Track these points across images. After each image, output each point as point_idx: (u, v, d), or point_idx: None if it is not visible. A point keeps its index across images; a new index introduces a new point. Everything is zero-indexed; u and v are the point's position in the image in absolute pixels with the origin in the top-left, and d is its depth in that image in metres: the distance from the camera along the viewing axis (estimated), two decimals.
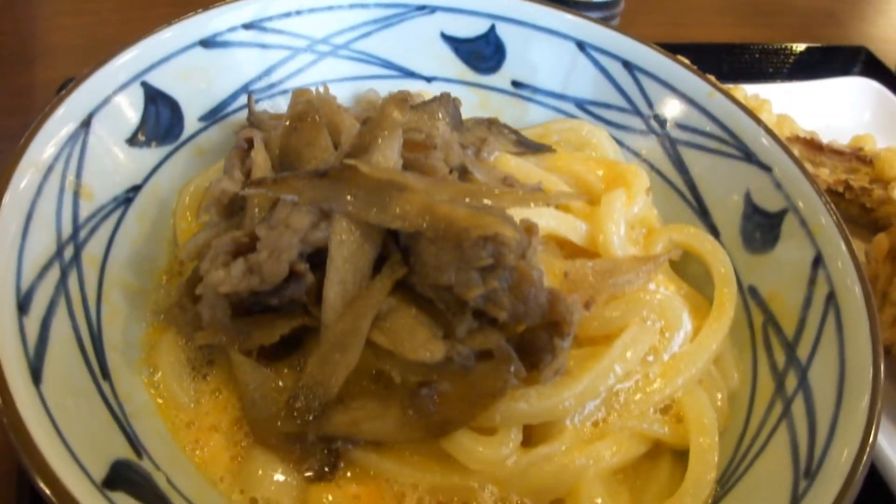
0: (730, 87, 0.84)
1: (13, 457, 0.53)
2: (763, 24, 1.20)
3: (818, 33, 1.17)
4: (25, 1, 0.99)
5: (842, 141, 0.91)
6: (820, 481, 0.46)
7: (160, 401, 0.52)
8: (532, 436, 0.51)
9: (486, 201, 0.48)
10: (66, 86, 0.59)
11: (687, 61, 0.82)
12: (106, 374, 0.49)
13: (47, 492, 0.37)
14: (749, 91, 0.92)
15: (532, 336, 0.48)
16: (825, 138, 0.91)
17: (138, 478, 0.43)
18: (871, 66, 1.07)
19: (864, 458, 0.46)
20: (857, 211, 0.86)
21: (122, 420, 0.47)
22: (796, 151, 0.85)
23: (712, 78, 0.76)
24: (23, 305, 0.45)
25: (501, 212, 0.47)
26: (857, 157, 0.87)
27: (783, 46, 1.07)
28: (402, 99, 0.54)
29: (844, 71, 1.04)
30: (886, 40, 1.19)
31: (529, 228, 0.49)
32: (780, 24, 1.19)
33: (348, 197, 0.49)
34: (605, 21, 1.00)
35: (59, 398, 0.43)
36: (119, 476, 0.42)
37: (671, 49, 0.88)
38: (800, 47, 1.07)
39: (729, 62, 1.00)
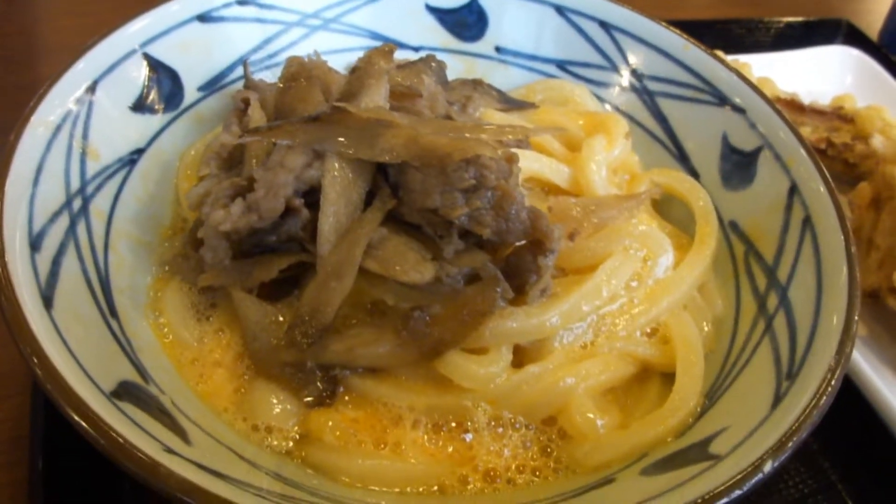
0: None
1: (26, 384, 0.58)
2: (749, 4, 1.23)
3: (803, 10, 1.20)
4: (28, 3, 1.03)
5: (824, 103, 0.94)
6: (800, 380, 0.47)
7: (166, 340, 0.54)
8: (524, 358, 0.53)
9: (466, 133, 0.50)
10: None
11: None
12: (114, 313, 0.51)
13: (60, 401, 0.40)
14: (730, 59, 0.95)
15: (517, 259, 0.51)
16: (808, 101, 0.93)
17: (144, 395, 0.45)
18: (852, 37, 1.10)
19: (842, 359, 0.47)
20: (840, 167, 0.89)
21: (129, 352, 0.49)
22: None
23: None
24: (34, 244, 0.48)
25: (478, 138, 0.49)
26: (838, 116, 0.89)
27: (767, 21, 1.10)
28: (387, 50, 0.57)
29: (827, 43, 1.07)
30: (869, 12, 1.22)
31: (510, 157, 0.51)
32: (767, 3, 1.23)
33: (340, 138, 0.52)
34: None
35: (68, 324, 0.45)
36: (126, 391, 0.44)
37: None
38: (783, 21, 1.10)
39: (714, 38, 1.03)
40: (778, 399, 0.47)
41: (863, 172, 0.86)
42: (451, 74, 0.72)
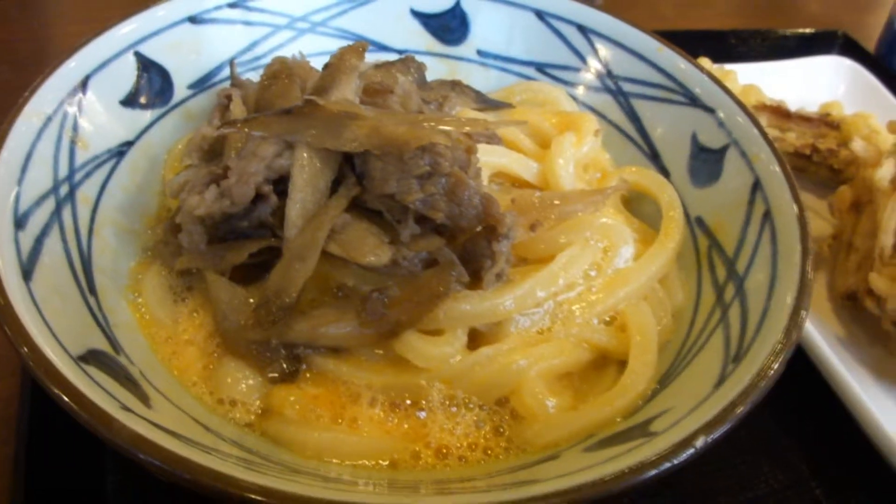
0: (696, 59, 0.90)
1: (15, 368, 0.62)
2: (745, 15, 1.25)
3: (799, 21, 1.22)
4: (38, 10, 1.09)
5: None
6: (744, 363, 0.49)
7: (143, 319, 0.57)
8: (480, 342, 0.55)
9: (424, 123, 0.53)
10: None
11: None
12: (93, 291, 0.55)
13: (29, 358, 0.43)
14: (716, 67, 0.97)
15: (473, 245, 0.53)
16: (808, 110, 0.95)
17: (112, 364, 0.49)
18: (849, 48, 1.12)
19: (787, 344, 0.49)
20: (826, 173, 0.90)
21: (103, 325, 0.53)
22: (764, 120, 0.90)
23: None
24: (19, 223, 0.52)
25: (437, 128, 0.52)
26: (824, 122, 0.91)
27: (765, 32, 1.12)
28: (359, 48, 0.60)
29: (824, 53, 1.09)
30: (865, 25, 1.24)
31: (469, 148, 0.54)
32: (758, 13, 1.25)
33: (310, 129, 0.56)
34: None
35: (45, 295, 0.49)
36: (93, 357, 0.47)
37: None
38: (779, 32, 1.12)
39: (712, 48, 1.05)
40: (721, 381, 0.49)
41: (847, 178, 0.87)
42: (435, 76, 0.75)
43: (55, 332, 0.46)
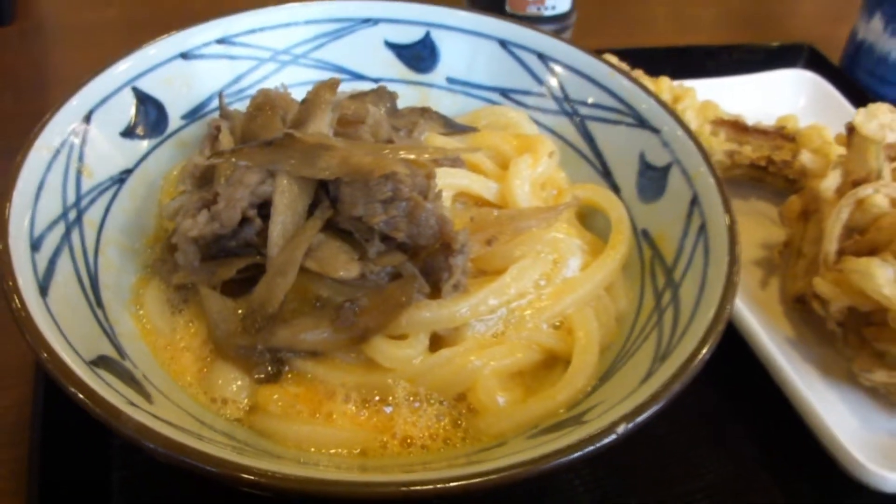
0: (657, 78, 1.00)
1: (28, 375, 0.72)
2: (713, 30, 1.35)
3: (766, 35, 1.32)
4: (37, 37, 1.19)
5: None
6: (668, 361, 0.59)
7: (144, 329, 0.68)
8: (441, 344, 0.65)
9: (388, 154, 0.64)
10: None
11: (615, 59, 0.98)
12: (100, 304, 0.65)
13: (47, 362, 0.53)
14: (687, 84, 1.07)
15: (432, 260, 0.63)
16: (768, 123, 1.05)
17: (119, 367, 0.59)
18: (815, 62, 1.21)
19: (705, 346, 0.58)
20: (782, 183, 1.00)
21: (110, 335, 0.63)
22: (723, 134, 1.00)
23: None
24: (35, 245, 0.62)
25: (398, 157, 0.62)
26: (780, 135, 1.00)
27: (729, 46, 1.22)
28: (331, 84, 0.71)
29: (788, 67, 1.18)
30: (832, 38, 1.33)
31: (429, 174, 0.64)
32: (727, 27, 1.35)
33: (289, 159, 0.66)
34: (557, 33, 1.17)
35: (60, 308, 0.59)
36: (103, 361, 0.57)
37: (622, 53, 1.04)
38: (745, 46, 1.22)
39: (678, 63, 1.15)
40: (647, 377, 0.58)
41: (801, 187, 0.96)
42: (407, 103, 0.85)
43: (70, 340, 0.56)
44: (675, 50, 1.21)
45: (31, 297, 0.57)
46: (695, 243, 0.69)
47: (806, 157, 0.91)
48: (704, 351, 0.58)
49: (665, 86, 0.97)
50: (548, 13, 1.18)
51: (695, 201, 0.71)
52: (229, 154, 0.67)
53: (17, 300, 0.56)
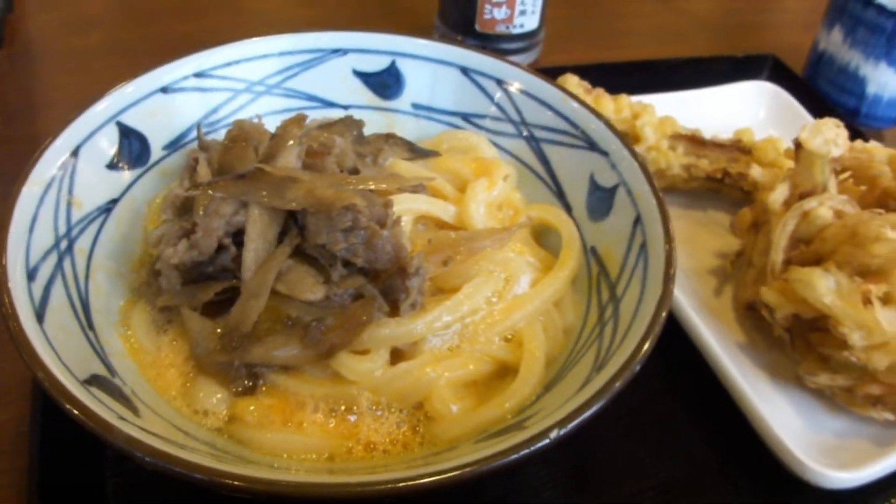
0: (617, 95, 1.09)
1: (27, 392, 0.81)
2: (682, 42, 1.44)
3: (733, 45, 1.40)
4: (26, 64, 1.27)
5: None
6: (603, 371, 0.67)
7: (132, 347, 0.77)
8: (401, 358, 0.75)
9: (349, 186, 0.73)
10: None
11: (576, 78, 1.08)
12: (91, 327, 0.75)
13: (44, 382, 0.63)
14: (651, 100, 1.16)
15: (390, 281, 0.73)
16: (727, 136, 1.14)
17: (109, 384, 0.68)
18: (778, 71, 1.30)
19: (636, 357, 0.66)
20: (738, 195, 1.09)
21: (101, 355, 0.72)
22: (681, 148, 1.09)
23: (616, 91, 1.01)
24: (31, 275, 0.71)
25: (357, 189, 0.72)
26: (737, 148, 1.09)
27: (693, 59, 1.31)
28: (298, 119, 0.80)
29: (752, 78, 1.27)
30: (796, 47, 1.42)
31: (386, 203, 0.74)
32: (695, 39, 1.43)
33: (260, 191, 0.75)
34: (526, 49, 1.27)
35: (55, 333, 0.68)
36: (95, 380, 0.67)
37: (587, 69, 1.14)
38: (709, 58, 1.31)
39: (641, 78, 1.24)
40: (583, 386, 0.68)
41: (755, 199, 1.06)
42: (375, 128, 0.95)
43: (65, 362, 0.66)
44: (639, 64, 1.30)
45: (29, 325, 0.66)
46: (636, 260, 0.78)
47: (756, 171, 1.00)
48: (635, 363, 0.66)
49: (625, 103, 1.07)
50: (516, 31, 1.28)
51: (638, 220, 0.80)
52: (206, 186, 0.77)
53: (17, 328, 0.65)
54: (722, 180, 1.07)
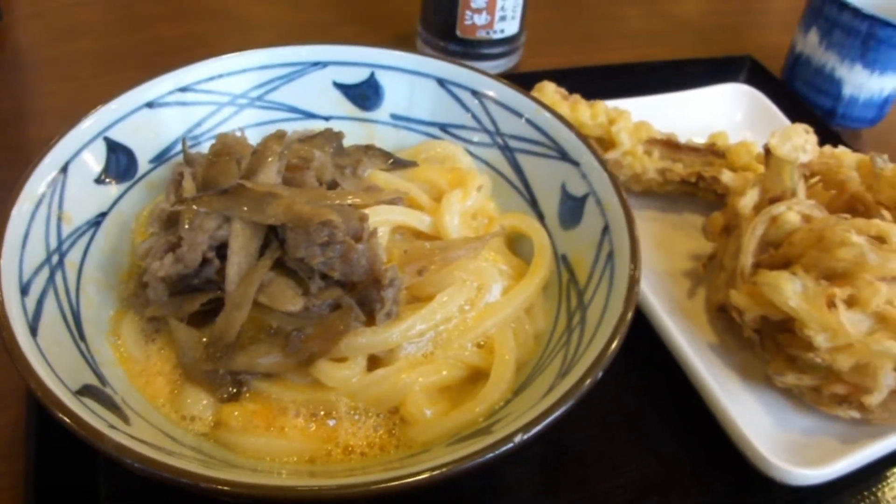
0: (593, 102, 1.14)
1: (22, 397, 0.87)
2: (662, 44, 1.48)
3: (713, 47, 1.45)
4: (15, 72, 1.31)
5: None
6: (566, 378, 0.72)
7: (122, 356, 0.82)
8: (378, 364, 0.80)
9: (326, 202, 0.78)
10: None
11: (553, 85, 1.12)
12: (83, 338, 0.80)
13: (38, 393, 0.68)
14: (629, 103, 1.21)
15: (366, 292, 0.78)
16: (702, 139, 1.19)
17: (101, 394, 0.74)
18: (756, 73, 1.35)
19: (598, 365, 0.71)
20: (712, 198, 1.14)
21: (92, 365, 0.78)
22: (656, 153, 1.14)
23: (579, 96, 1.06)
24: (24, 290, 0.76)
25: (334, 205, 0.77)
26: (711, 151, 1.14)
27: (671, 61, 1.35)
28: (278, 135, 0.85)
29: (730, 80, 1.32)
30: (778, 47, 1.47)
31: (362, 217, 0.79)
32: (676, 41, 1.48)
33: (242, 206, 0.81)
34: (507, 54, 1.32)
35: (48, 345, 0.73)
36: (87, 390, 0.72)
37: (566, 74, 1.18)
38: (688, 61, 1.36)
39: (620, 81, 1.29)
40: (547, 392, 0.73)
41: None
42: (354, 139, 1.00)
43: (58, 373, 0.71)
44: (618, 67, 1.34)
45: (23, 339, 0.71)
46: (603, 269, 0.83)
47: (727, 176, 1.05)
48: (597, 370, 0.71)
49: (601, 109, 1.11)
50: (497, 36, 1.33)
51: (606, 230, 0.85)
52: (191, 201, 0.82)
53: (12, 343, 0.70)
54: (696, 184, 1.12)
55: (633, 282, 0.77)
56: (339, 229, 0.76)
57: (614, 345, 0.73)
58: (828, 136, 1.28)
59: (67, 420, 0.66)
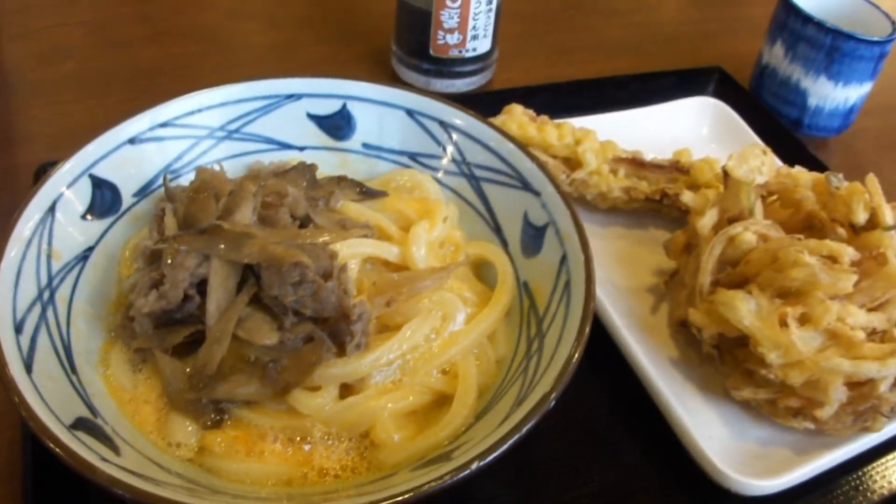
0: (559, 121, 1.21)
1: (18, 420, 0.95)
2: (631, 55, 1.55)
3: (685, 57, 1.52)
4: (1, 95, 1.38)
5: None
6: (521, 407, 0.80)
7: (111, 387, 0.91)
8: (350, 392, 0.89)
9: (299, 240, 0.87)
10: (42, 170, 1.02)
11: (521, 108, 1.20)
12: (74, 370, 0.88)
13: (36, 431, 0.76)
14: (599, 119, 1.29)
15: (337, 326, 0.87)
16: (669, 154, 1.27)
17: (93, 426, 0.82)
18: (725, 84, 1.43)
19: (550, 395, 0.78)
20: (677, 213, 1.22)
21: (84, 397, 0.86)
22: (622, 171, 1.22)
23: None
24: (18, 328, 0.84)
25: (305, 246, 0.85)
26: (676, 168, 1.22)
27: (640, 74, 1.43)
28: (253, 176, 0.93)
29: (699, 92, 1.40)
30: (748, 54, 1.54)
31: (332, 255, 0.88)
32: (649, 51, 1.55)
33: (220, 245, 0.89)
34: (480, 71, 1.40)
35: (42, 381, 0.81)
36: (80, 423, 0.80)
37: (537, 91, 1.26)
38: (656, 74, 1.43)
39: (589, 96, 1.36)
40: (504, 420, 0.81)
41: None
42: (328, 167, 1.08)
43: (52, 409, 0.79)
44: (587, 83, 1.41)
45: (19, 376, 0.79)
46: (560, 298, 0.91)
47: (687, 197, 1.13)
48: (549, 400, 0.77)
49: (567, 130, 1.19)
50: (469, 55, 1.40)
51: (564, 260, 0.94)
52: (172, 240, 0.90)
53: (11, 385, 0.78)
54: (661, 201, 1.20)
55: (586, 316, 0.85)
56: (309, 269, 0.84)
57: (564, 379, 0.80)
58: (795, 145, 1.36)
59: (63, 455, 0.74)
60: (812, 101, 1.41)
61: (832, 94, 1.39)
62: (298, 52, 1.54)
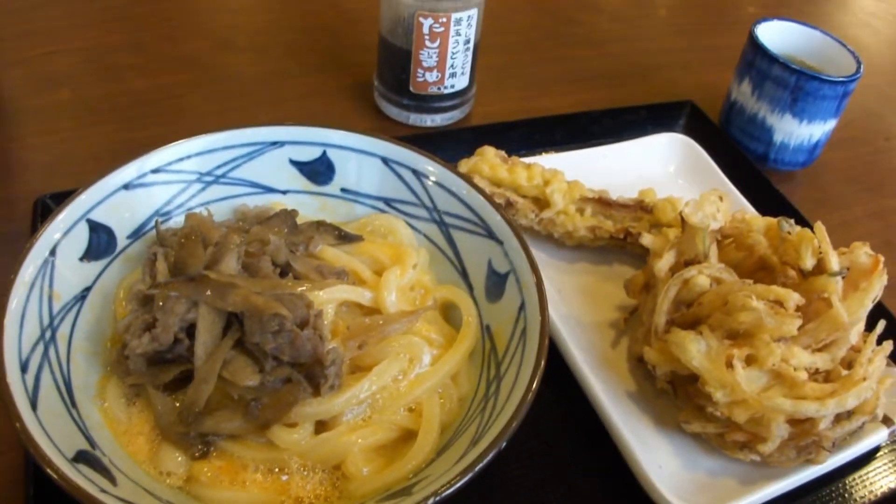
0: (529, 161, 1.35)
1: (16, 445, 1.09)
2: (607, 86, 1.67)
3: (658, 88, 1.65)
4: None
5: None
6: (476, 447, 0.94)
7: (107, 419, 1.05)
8: (324, 428, 1.03)
9: (279, 290, 1.01)
10: (41, 203, 1.18)
11: (493, 150, 1.34)
12: (74, 405, 1.02)
13: (42, 465, 0.90)
14: (569, 157, 1.42)
15: (313, 370, 1.01)
16: (636, 190, 1.40)
17: (92, 458, 0.96)
18: (695, 118, 1.56)
19: (503, 436, 0.93)
20: (641, 250, 1.36)
21: (83, 430, 1.00)
22: (589, 210, 1.36)
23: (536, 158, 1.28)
24: (24, 368, 0.98)
25: (284, 297, 1.00)
26: (640, 207, 1.36)
27: (612, 109, 1.56)
28: (238, 228, 1.07)
29: (670, 125, 1.52)
30: (721, 84, 1.67)
31: (308, 304, 1.02)
32: (621, 84, 1.67)
33: (207, 292, 1.03)
34: (458, 106, 1.53)
35: (47, 418, 0.95)
36: (81, 456, 0.94)
37: (512, 126, 1.39)
38: (628, 108, 1.56)
39: (562, 131, 1.49)
40: (459, 459, 0.95)
41: None
42: (308, 210, 1.22)
43: (56, 443, 0.92)
44: (560, 118, 1.54)
45: (26, 414, 0.94)
46: (518, 344, 1.05)
47: (646, 240, 1.26)
48: (501, 442, 0.91)
49: (537, 171, 1.33)
50: (448, 91, 1.53)
51: (522, 307, 1.07)
52: (163, 286, 1.05)
53: (21, 423, 0.93)
54: (625, 239, 1.34)
55: (537, 368, 0.98)
56: (287, 319, 0.98)
57: (513, 425, 0.92)
58: (760, 181, 1.49)
59: (64, 485, 0.88)
60: (777, 138, 1.54)
61: (797, 132, 1.52)
62: (286, 83, 1.66)
